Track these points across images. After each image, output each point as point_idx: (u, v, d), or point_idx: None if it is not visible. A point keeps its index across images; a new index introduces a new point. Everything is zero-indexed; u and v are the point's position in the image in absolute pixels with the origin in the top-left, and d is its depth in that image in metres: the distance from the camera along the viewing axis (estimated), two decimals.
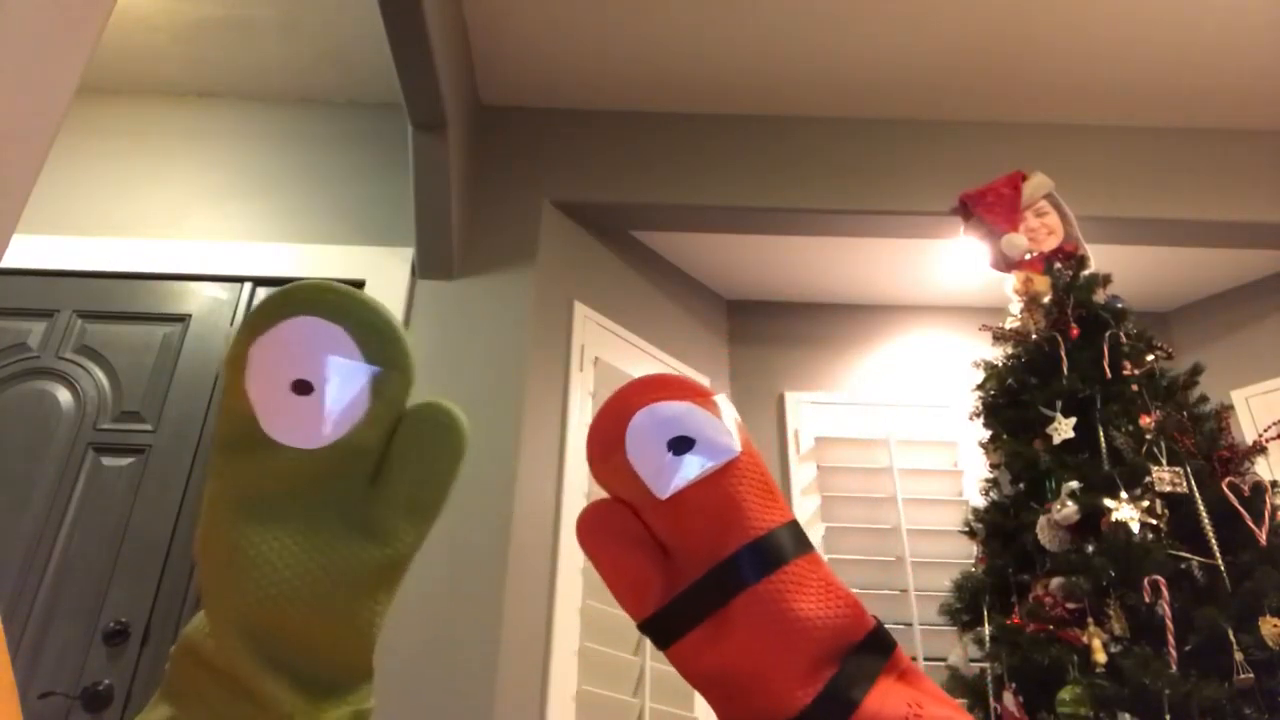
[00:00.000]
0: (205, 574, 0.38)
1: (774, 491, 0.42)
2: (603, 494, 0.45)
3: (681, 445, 0.41)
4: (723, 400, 0.44)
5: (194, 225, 2.57)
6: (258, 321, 0.39)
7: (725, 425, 0.42)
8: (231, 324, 2.41)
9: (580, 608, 2.14)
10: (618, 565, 0.42)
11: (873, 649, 0.39)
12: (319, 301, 0.39)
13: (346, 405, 0.39)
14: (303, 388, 0.38)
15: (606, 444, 0.43)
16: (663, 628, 0.41)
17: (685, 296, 2.95)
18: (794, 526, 0.41)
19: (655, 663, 2.19)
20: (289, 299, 0.39)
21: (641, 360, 2.63)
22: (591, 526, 0.43)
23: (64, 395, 2.30)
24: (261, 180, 2.66)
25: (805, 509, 2.68)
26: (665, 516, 0.41)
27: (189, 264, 2.48)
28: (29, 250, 2.44)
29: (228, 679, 0.37)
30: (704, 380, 2.82)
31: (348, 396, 0.39)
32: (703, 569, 0.40)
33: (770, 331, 3.07)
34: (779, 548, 0.40)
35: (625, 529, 0.42)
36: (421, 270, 2.44)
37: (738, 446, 0.42)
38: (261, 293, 2.47)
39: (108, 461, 2.22)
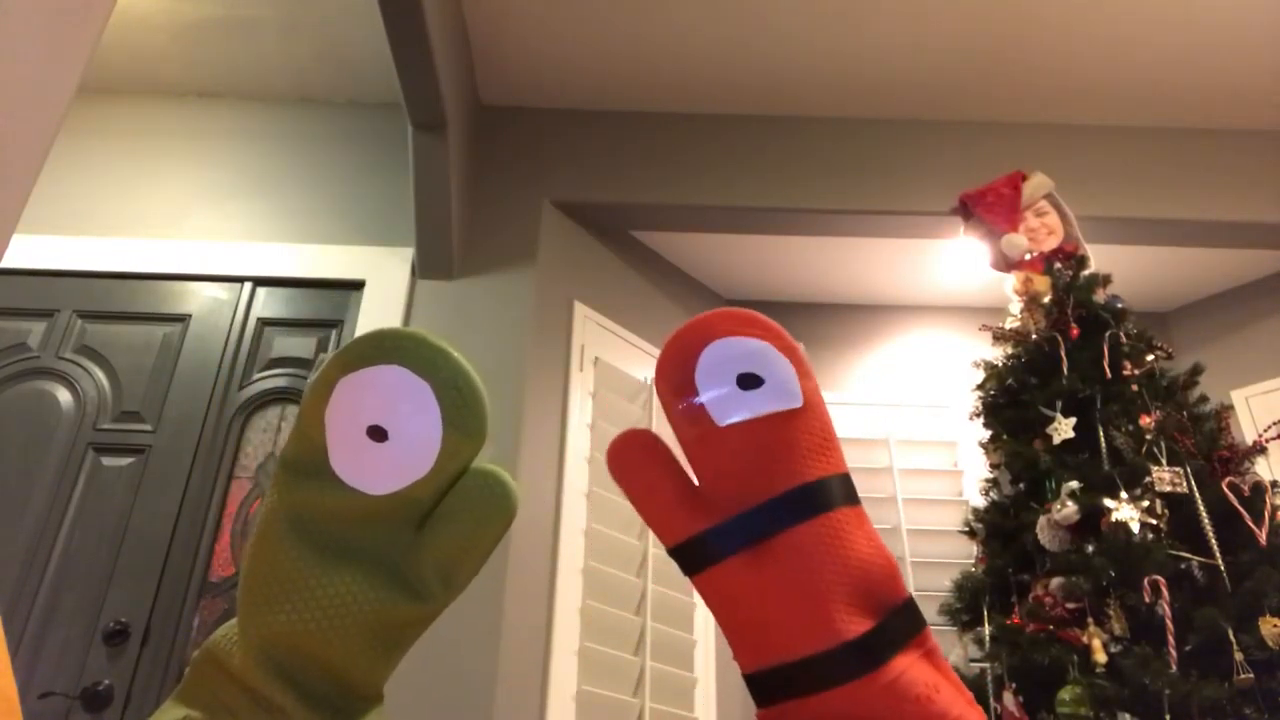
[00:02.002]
0: (246, 583, 0.39)
1: (832, 444, 0.42)
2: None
3: (750, 382, 0.41)
4: (802, 350, 0.44)
5: (194, 225, 2.57)
6: (351, 359, 0.40)
7: (797, 373, 0.42)
8: (231, 324, 2.41)
9: (580, 608, 2.14)
10: (650, 488, 0.43)
11: (906, 619, 0.40)
12: (413, 353, 0.40)
13: (415, 460, 0.40)
14: (377, 434, 0.39)
15: (679, 358, 0.43)
16: (695, 555, 0.41)
17: (685, 296, 2.95)
18: (844, 478, 0.42)
19: (655, 663, 2.19)
20: (385, 344, 0.40)
21: (642, 360, 2.63)
22: (624, 451, 0.44)
23: (64, 395, 2.30)
24: (261, 180, 2.66)
25: None
26: (715, 446, 0.42)
27: (189, 264, 2.48)
28: (29, 250, 2.44)
29: (249, 690, 0.38)
30: None
31: (418, 452, 0.40)
32: (750, 503, 0.40)
33: None
34: (828, 494, 0.40)
35: (658, 455, 0.43)
36: (421, 270, 2.44)
37: (802, 399, 0.42)
38: (262, 293, 2.47)
39: (108, 461, 2.22)
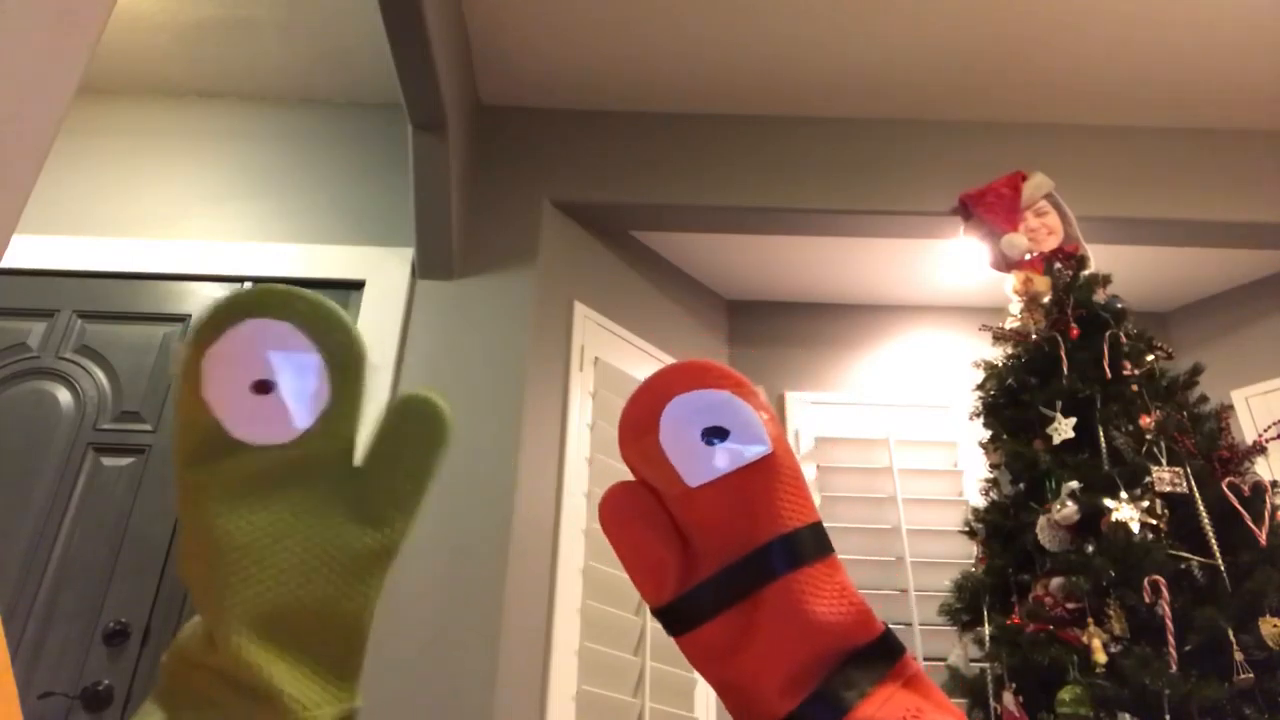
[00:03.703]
0: (196, 585, 0.38)
1: (802, 491, 0.42)
2: (617, 477, 0.45)
3: (716, 435, 0.41)
4: (763, 394, 0.43)
5: (194, 225, 2.57)
6: (205, 333, 0.40)
7: (762, 419, 0.42)
8: None
9: (580, 608, 2.14)
10: (638, 547, 0.42)
11: (878, 654, 0.39)
12: (261, 303, 0.40)
13: (308, 395, 0.39)
14: (263, 388, 0.39)
15: (640, 425, 0.42)
16: (679, 615, 0.41)
17: (685, 296, 2.95)
18: (818, 528, 0.41)
19: (655, 663, 2.19)
20: (232, 306, 0.40)
21: (642, 360, 2.63)
22: (615, 506, 0.43)
23: (64, 395, 2.30)
24: (261, 180, 2.66)
25: None
26: (692, 505, 0.41)
27: (189, 264, 2.48)
28: (29, 250, 2.44)
29: (233, 681, 0.37)
30: None
31: (308, 387, 0.39)
32: (727, 560, 0.40)
33: (770, 331, 3.08)
34: (802, 547, 0.40)
35: (648, 512, 0.42)
36: (421, 270, 2.44)
37: (771, 443, 0.41)
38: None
39: (108, 461, 2.22)
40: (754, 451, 0.41)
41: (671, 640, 0.42)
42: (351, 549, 0.39)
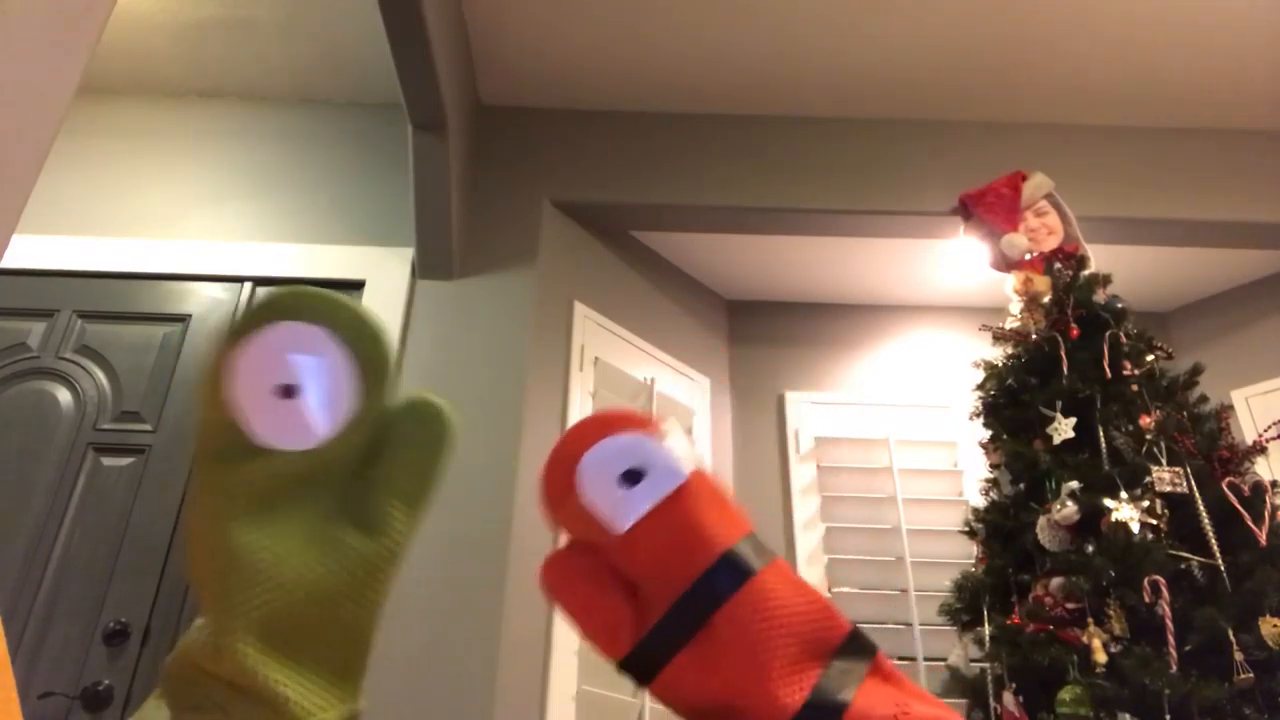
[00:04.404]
0: (205, 586, 0.38)
1: (729, 507, 0.42)
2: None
3: (633, 478, 0.41)
4: (671, 424, 0.44)
5: (194, 225, 2.57)
6: (235, 334, 0.39)
7: (673, 450, 0.42)
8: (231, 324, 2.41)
9: None
10: (588, 606, 0.42)
11: (854, 652, 0.39)
12: (296, 306, 0.40)
13: (333, 403, 0.39)
14: (287, 392, 0.39)
15: (559, 489, 0.43)
16: (642, 662, 0.41)
17: (685, 296, 2.95)
18: (753, 538, 0.41)
19: None
20: (267, 307, 0.40)
21: (641, 360, 2.63)
22: (556, 572, 0.43)
23: (64, 395, 2.30)
24: (261, 180, 2.66)
25: (805, 509, 2.68)
26: (628, 551, 0.41)
27: (189, 264, 2.48)
28: (29, 250, 2.44)
29: (239, 688, 0.37)
30: (704, 380, 2.83)
31: (333, 394, 0.39)
32: (674, 595, 0.40)
33: (770, 331, 3.08)
34: (744, 560, 0.40)
35: (590, 570, 0.42)
36: (421, 270, 2.44)
37: (687, 469, 0.42)
38: (262, 293, 2.47)
39: (108, 461, 2.22)
40: (671, 482, 0.41)
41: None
42: (357, 554, 0.39)
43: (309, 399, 0.39)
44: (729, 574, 0.39)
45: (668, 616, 0.40)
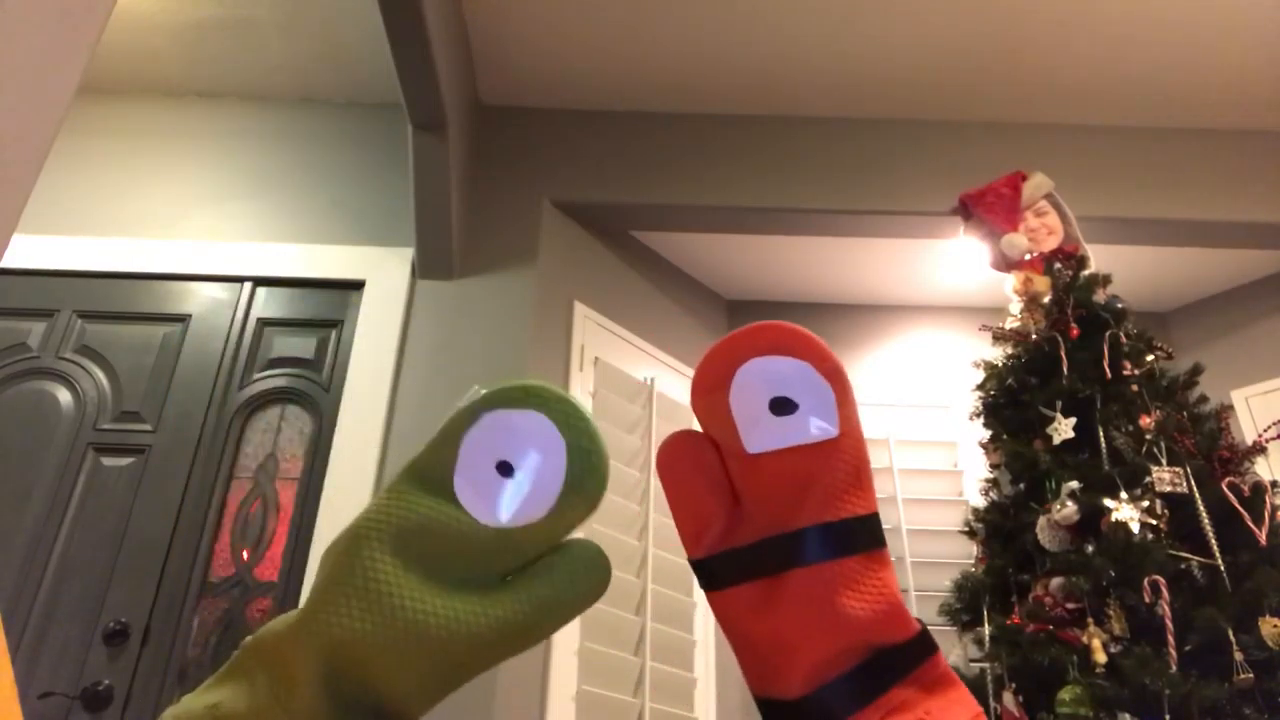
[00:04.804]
0: (329, 579, 0.39)
1: (863, 481, 0.41)
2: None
3: (785, 406, 0.40)
4: (843, 371, 0.42)
5: (194, 225, 2.57)
6: (504, 399, 0.42)
7: (837, 400, 0.41)
8: (231, 324, 2.41)
9: None
10: (687, 495, 0.42)
11: (908, 654, 0.39)
12: (558, 408, 0.42)
13: (531, 504, 0.41)
14: (504, 469, 0.41)
15: (712, 380, 0.42)
16: (713, 572, 0.41)
17: (685, 296, 2.95)
18: (871, 520, 0.40)
19: (655, 663, 2.19)
20: (536, 394, 0.42)
21: (641, 360, 2.63)
22: (673, 452, 0.43)
23: (64, 395, 2.30)
24: (261, 180, 2.66)
25: None
26: (748, 470, 0.41)
27: (189, 264, 2.48)
28: (29, 250, 2.44)
29: (293, 681, 0.37)
30: None
31: (537, 497, 0.41)
32: (766, 533, 0.40)
33: None
34: (846, 537, 0.39)
35: (705, 464, 0.42)
36: (421, 270, 2.44)
37: (838, 428, 0.40)
38: (261, 293, 2.47)
39: (108, 461, 2.22)
40: (817, 432, 0.40)
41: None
42: (461, 638, 0.39)
43: (515, 487, 0.40)
44: (823, 544, 0.39)
45: (753, 548, 0.40)
